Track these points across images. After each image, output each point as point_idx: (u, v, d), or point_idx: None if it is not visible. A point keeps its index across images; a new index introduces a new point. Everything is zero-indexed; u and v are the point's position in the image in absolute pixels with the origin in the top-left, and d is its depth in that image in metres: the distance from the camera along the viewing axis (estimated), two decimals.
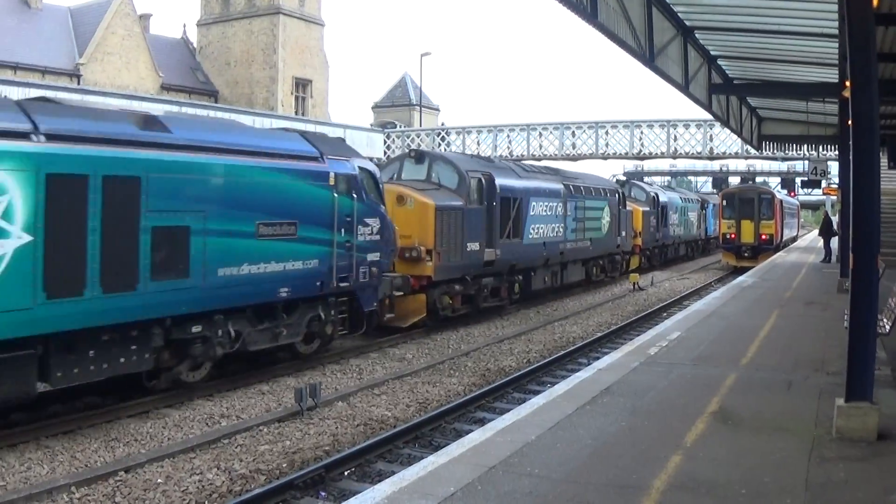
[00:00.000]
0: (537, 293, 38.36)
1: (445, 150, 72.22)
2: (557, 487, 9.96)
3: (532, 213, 35.33)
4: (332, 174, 22.06)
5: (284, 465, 14.79)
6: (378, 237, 23.88)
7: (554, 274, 38.99)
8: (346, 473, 14.70)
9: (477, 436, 12.14)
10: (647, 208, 56.35)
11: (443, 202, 28.73)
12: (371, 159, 27.34)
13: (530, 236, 35.19)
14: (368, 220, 23.42)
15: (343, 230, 22.31)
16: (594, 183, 45.55)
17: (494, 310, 33.43)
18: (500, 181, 32.49)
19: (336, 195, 22.06)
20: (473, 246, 30.19)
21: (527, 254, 35.01)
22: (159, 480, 13.87)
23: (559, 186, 39.11)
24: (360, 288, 23.49)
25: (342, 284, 22.52)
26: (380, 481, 12.21)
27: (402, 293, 26.24)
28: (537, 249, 36.11)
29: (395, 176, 30.96)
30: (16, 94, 44.41)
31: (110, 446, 15.72)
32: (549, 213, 37.26)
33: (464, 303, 30.94)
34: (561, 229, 38.64)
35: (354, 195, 22.82)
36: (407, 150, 34.85)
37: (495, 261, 31.78)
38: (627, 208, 50.34)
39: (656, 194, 59.95)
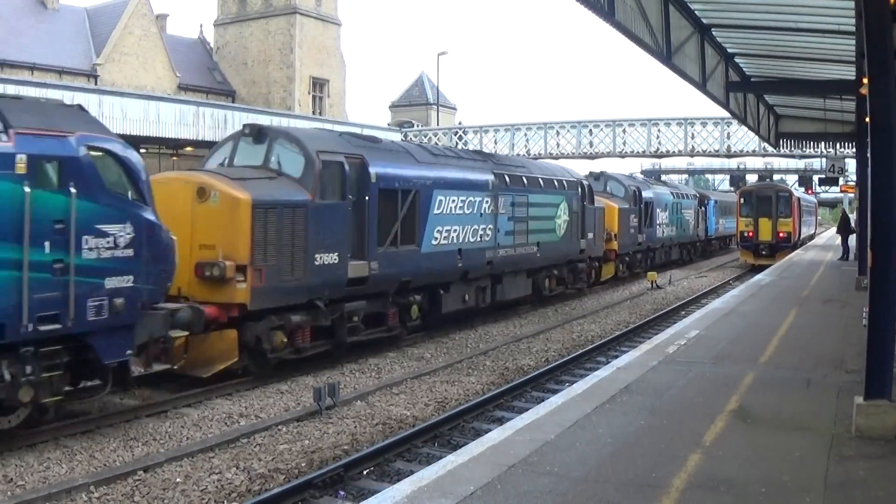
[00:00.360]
0: (455, 316, 29.53)
1: (463, 147, 71.99)
2: (577, 486, 9.97)
3: (437, 212, 26.87)
4: (20, 157, 14.39)
5: (303, 465, 14.77)
6: (130, 252, 16.18)
7: (480, 290, 30.30)
8: (364, 473, 14.67)
9: (496, 435, 12.14)
10: (626, 205, 48.04)
11: (268, 196, 20.64)
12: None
13: (434, 242, 26.70)
14: (108, 228, 15.76)
15: (47, 244, 14.65)
16: (544, 172, 36.60)
17: (505, 312, 33.51)
18: (377, 168, 24.02)
19: (29, 189, 14.36)
20: (328, 258, 21.98)
21: (428, 265, 26.34)
22: (178, 480, 13.89)
23: (486, 177, 30.13)
24: (93, 330, 15.68)
25: (45, 327, 14.78)
26: (398, 480, 12.26)
27: (188, 332, 18.56)
28: (446, 259, 27.49)
29: (227, 161, 23.36)
30: (32, 95, 44.51)
31: (129, 446, 15.74)
32: (467, 211, 28.50)
33: (320, 337, 22.67)
34: (489, 231, 29.93)
35: (74, 189, 15.05)
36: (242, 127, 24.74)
37: (369, 277, 23.51)
38: (597, 205, 41.80)
39: (637, 189, 51.17)
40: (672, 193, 60.56)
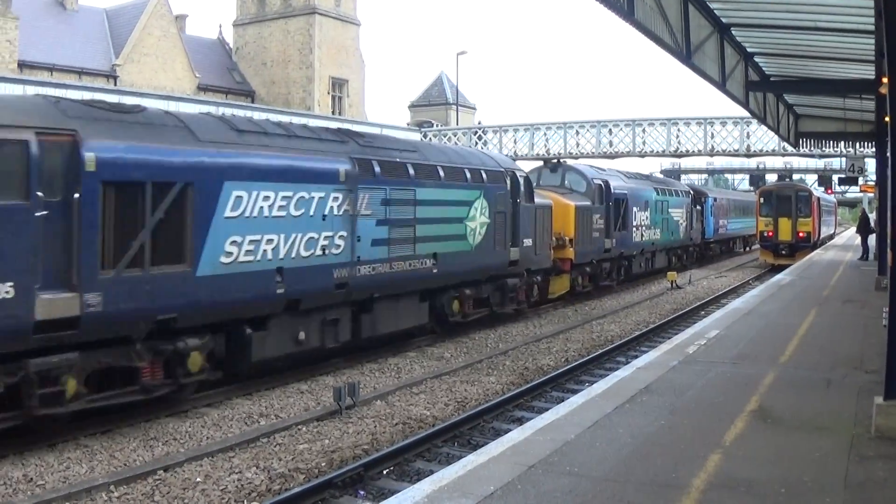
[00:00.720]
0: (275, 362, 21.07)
1: (482, 148, 71.94)
2: (597, 486, 9.97)
3: (232, 214, 18.29)
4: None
5: (323, 464, 14.79)
6: None
7: (328, 325, 21.62)
8: (384, 472, 14.71)
9: (516, 435, 12.15)
10: (587, 203, 38.46)
11: None
12: None
13: (226, 259, 18.22)
14: None
15: None
16: (447, 159, 27.48)
17: (525, 313, 33.80)
18: (104, 151, 15.69)
19: None
20: None
21: (212, 295, 17.80)
22: (198, 479, 13.94)
23: (335, 164, 21.50)
24: None
25: None
26: (418, 480, 12.26)
27: None
28: (253, 283, 18.84)
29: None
30: (52, 95, 44.60)
31: (149, 445, 15.80)
32: (295, 213, 19.96)
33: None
34: (339, 241, 21.37)
35: None
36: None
37: (82, 317, 15.12)
38: (540, 202, 33.06)
39: (605, 183, 40.72)
40: (656, 189, 50.09)
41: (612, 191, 41.39)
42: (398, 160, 24.21)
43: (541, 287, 34.18)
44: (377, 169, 22.79)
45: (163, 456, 15.15)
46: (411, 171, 24.47)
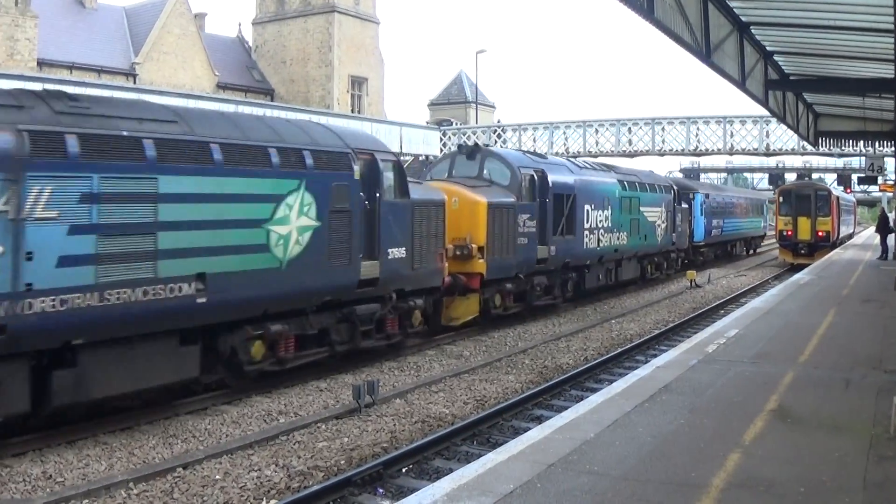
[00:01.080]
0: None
1: (502, 147, 71.80)
2: (617, 485, 9.97)
3: None
4: None
5: (342, 462, 14.82)
6: None
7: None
8: (403, 470, 14.72)
9: (535, 433, 12.16)
10: (508, 199, 29.47)
11: None
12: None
13: None
14: None
15: None
16: (223, 133, 18.07)
17: (544, 311, 33.64)
18: None
19: None
20: None
21: None
22: (217, 477, 13.98)
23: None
24: None
25: None
26: (438, 478, 12.32)
27: None
28: None
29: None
30: (71, 92, 44.71)
31: (168, 443, 15.86)
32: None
33: None
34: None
35: None
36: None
37: None
38: (422, 197, 24.96)
39: (538, 174, 31.61)
40: (622, 182, 40.33)
41: (551, 184, 32.02)
42: (125, 134, 15.75)
43: (428, 313, 25.36)
44: (74, 147, 14.73)
45: (182, 453, 15.21)
46: (150, 152, 16.00)
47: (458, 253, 26.87)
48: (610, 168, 42.32)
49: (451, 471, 12.62)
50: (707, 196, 58.65)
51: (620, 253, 39.55)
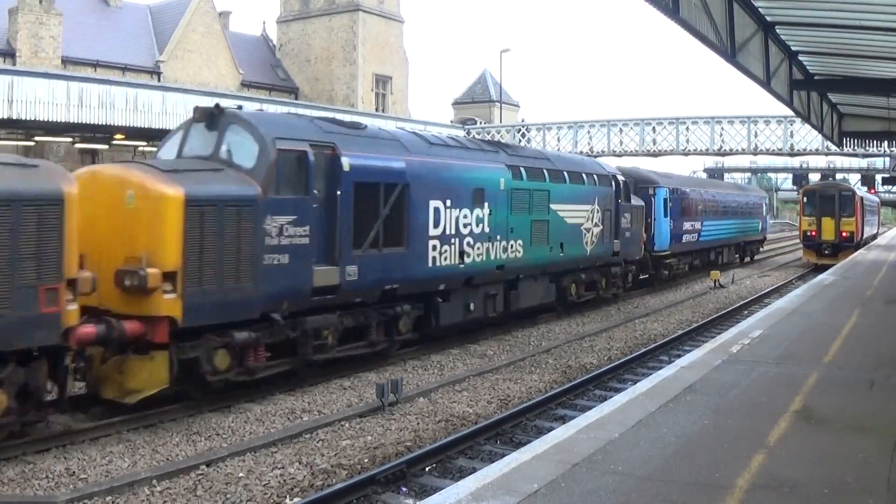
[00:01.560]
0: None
1: (526, 146, 71.75)
2: (641, 485, 9.97)
3: None
4: None
5: (366, 461, 14.87)
6: None
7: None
8: (427, 469, 14.75)
9: (560, 433, 12.17)
10: (244, 190, 18.35)
11: None
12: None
13: None
14: None
15: None
16: None
17: (568, 310, 33.53)
18: None
19: None
20: None
21: None
22: (241, 474, 14.03)
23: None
24: None
25: None
26: (461, 478, 12.36)
27: None
28: None
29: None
30: (96, 90, 44.89)
31: (192, 440, 15.97)
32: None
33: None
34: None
35: None
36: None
37: None
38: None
39: (322, 149, 20.63)
40: (514, 168, 28.52)
41: (349, 168, 21.01)
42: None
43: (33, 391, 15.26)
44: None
45: (205, 451, 15.31)
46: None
47: (127, 283, 16.43)
48: (498, 147, 29.36)
49: (474, 470, 12.65)
50: (676, 192, 46.80)
51: (512, 270, 28.09)
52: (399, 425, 17.09)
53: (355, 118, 46.37)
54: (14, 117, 41.39)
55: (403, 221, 22.76)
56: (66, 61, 64.23)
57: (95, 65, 66.57)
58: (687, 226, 48.62)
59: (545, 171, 30.70)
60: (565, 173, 32.05)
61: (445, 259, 24.35)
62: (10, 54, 61.44)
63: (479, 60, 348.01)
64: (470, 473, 11.83)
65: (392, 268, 22.27)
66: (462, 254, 25.09)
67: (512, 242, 27.71)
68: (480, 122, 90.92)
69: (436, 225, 24.02)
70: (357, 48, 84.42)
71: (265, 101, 59.01)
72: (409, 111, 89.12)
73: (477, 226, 25.80)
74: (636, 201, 39.33)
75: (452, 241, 24.63)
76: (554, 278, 31.52)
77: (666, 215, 44.73)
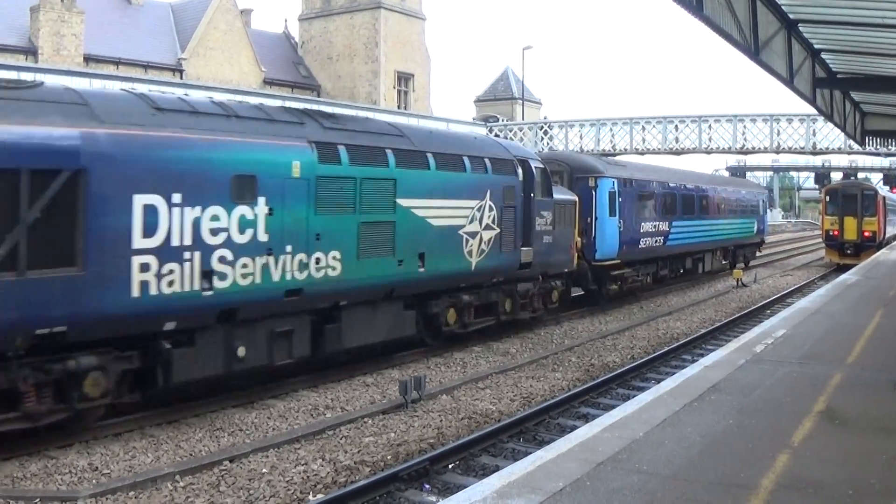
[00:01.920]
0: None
1: (548, 144, 71.59)
2: (666, 484, 9.97)
3: None
4: None
5: (389, 458, 14.93)
6: None
7: None
8: (450, 467, 14.76)
9: (584, 431, 12.17)
10: None
11: None
12: None
13: None
14: None
15: None
16: None
17: (591, 308, 33.54)
18: None
19: None
20: None
21: None
22: (264, 470, 14.09)
23: None
24: None
25: None
26: (484, 475, 12.39)
27: None
28: None
29: None
30: (118, 88, 44.98)
31: (215, 436, 16.06)
32: None
33: None
34: None
35: None
36: None
37: None
38: None
39: None
40: (325, 147, 19.87)
41: None
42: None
43: None
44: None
45: (229, 446, 15.39)
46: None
47: None
48: (304, 117, 20.44)
49: (497, 468, 12.71)
50: (629, 184, 37.26)
51: (320, 296, 19.74)
52: (422, 422, 17.13)
53: (378, 116, 46.09)
54: None
55: (76, 228, 14.83)
56: (88, 59, 64.39)
57: (118, 62, 66.72)
58: (647, 226, 38.91)
59: (388, 151, 21.52)
60: (429, 156, 23.04)
61: (172, 284, 16.14)
62: (31, 52, 61.58)
63: (501, 58, 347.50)
64: (493, 471, 11.88)
65: (51, 300, 14.39)
66: (209, 275, 16.80)
67: (319, 256, 19.31)
68: (503, 120, 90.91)
69: (149, 232, 15.79)
70: (379, 45, 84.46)
71: (287, 98, 59.14)
72: (431, 109, 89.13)
73: (241, 233, 17.52)
74: (564, 195, 31.14)
75: (187, 256, 16.45)
76: (415, 303, 23.26)
77: (613, 213, 34.89)
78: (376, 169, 20.77)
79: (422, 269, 22.40)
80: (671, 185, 42.92)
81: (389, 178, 21.17)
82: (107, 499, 12.75)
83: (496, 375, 21.64)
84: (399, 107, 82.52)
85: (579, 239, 32.29)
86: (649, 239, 39.05)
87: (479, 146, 26.53)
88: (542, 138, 74.51)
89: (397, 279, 21.55)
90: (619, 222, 35.27)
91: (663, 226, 40.69)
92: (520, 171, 26.96)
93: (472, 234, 24.43)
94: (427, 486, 13.80)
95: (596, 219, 34.07)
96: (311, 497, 13.07)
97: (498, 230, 25.50)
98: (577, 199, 32.16)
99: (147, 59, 70.08)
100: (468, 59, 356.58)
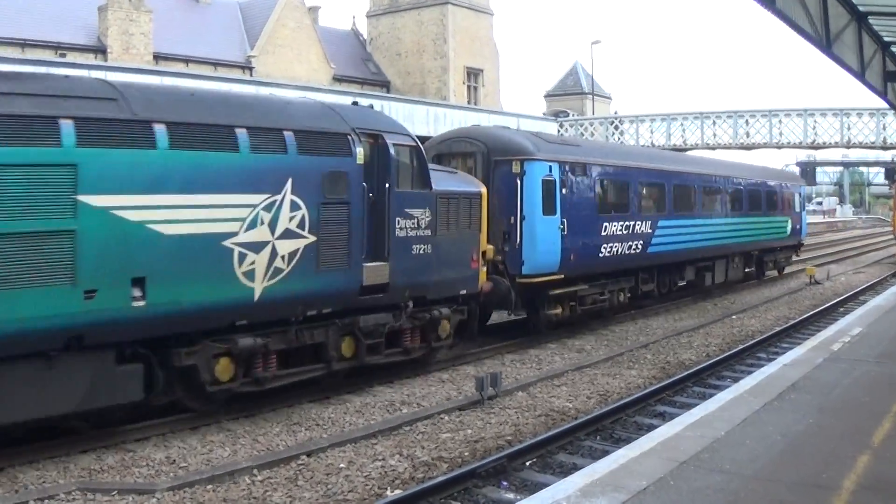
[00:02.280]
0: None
1: (619, 139, 71.19)
2: (749, 484, 9.98)
3: None
4: None
5: (466, 454, 14.90)
6: None
7: None
8: (527, 464, 14.65)
9: (665, 430, 12.20)
10: None
11: None
12: None
13: None
14: None
15: None
16: None
17: (665, 304, 32.88)
18: None
19: None
20: None
21: None
22: (341, 465, 14.14)
23: None
24: None
25: None
26: (562, 473, 12.46)
27: None
28: None
29: None
30: (188, 86, 45.29)
31: (292, 430, 16.16)
32: None
33: None
34: None
35: None
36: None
37: None
38: None
39: None
40: None
41: None
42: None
43: None
44: None
45: (306, 441, 15.47)
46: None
47: None
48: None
49: (574, 465, 12.78)
50: (581, 170, 27.58)
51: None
52: (499, 419, 17.10)
53: (448, 112, 45.76)
54: None
55: None
56: (157, 57, 64.91)
57: (187, 60, 67.18)
58: (614, 227, 28.96)
59: (63, 122, 13.79)
60: (156, 128, 15.07)
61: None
62: (101, 51, 62.15)
63: (569, 52, 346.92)
64: (570, 469, 11.97)
65: None
66: None
67: None
68: (573, 115, 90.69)
69: None
70: (447, 41, 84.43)
71: (357, 94, 59.35)
72: (500, 104, 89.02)
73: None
74: (459, 185, 22.48)
75: None
76: (148, 352, 15.33)
77: (551, 210, 25.53)
78: (34, 151, 13.33)
79: (140, 303, 14.56)
80: (656, 172, 32.98)
81: (64, 163, 13.60)
82: (184, 492, 12.87)
83: (572, 372, 21.52)
84: (469, 102, 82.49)
85: (489, 247, 23.28)
86: (619, 245, 29.11)
87: (277, 112, 17.97)
88: (613, 133, 74.26)
89: (83, 320, 13.80)
90: (562, 223, 25.83)
91: (643, 226, 30.68)
92: (359, 150, 18.41)
93: (255, 247, 16.37)
94: (505, 483, 13.69)
95: (523, 219, 24.87)
96: (389, 492, 13.03)
97: (311, 238, 17.25)
98: (482, 190, 23.06)
99: (216, 57, 70.46)
100: (536, 54, 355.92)
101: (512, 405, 18.16)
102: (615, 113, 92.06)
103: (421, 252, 20.05)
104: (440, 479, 13.38)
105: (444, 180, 21.57)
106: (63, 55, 55.18)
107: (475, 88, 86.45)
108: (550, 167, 25.57)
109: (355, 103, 20.63)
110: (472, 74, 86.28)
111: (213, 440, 15.34)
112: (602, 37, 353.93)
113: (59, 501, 12.40)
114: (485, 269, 22.84)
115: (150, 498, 12.61)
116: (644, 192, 31.50)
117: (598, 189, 28.36)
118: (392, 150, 19.27)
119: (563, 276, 25.70)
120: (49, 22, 60.46)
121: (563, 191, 25.97)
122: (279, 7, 75.68)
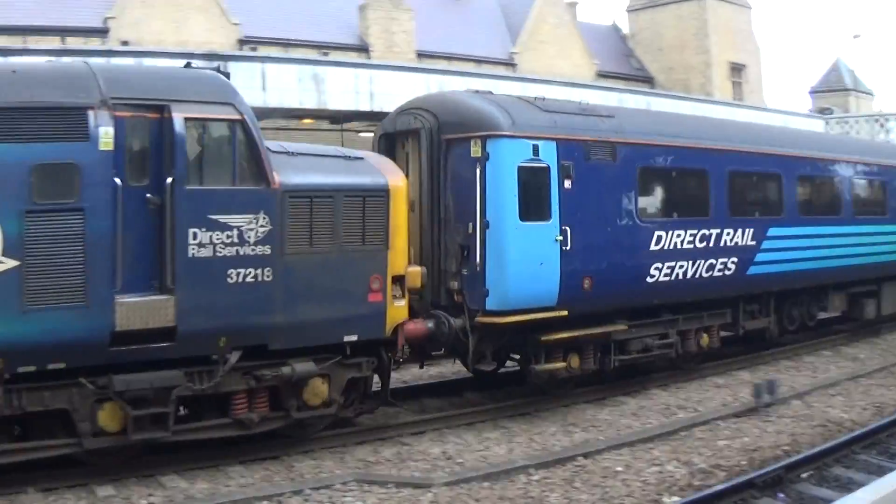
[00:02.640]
0: None
1: (885, 138, 68.77)
2: None
3: None
4: None
5: (743, 463, 14.77)
6: None
7: None
8: (803, 476, 14.38)
9: None
10: None
11: None
12: None
13: None
14: None
15: None
16: None
17: None
18: None
19: None
20: None
21: None
22: (618, 468, 14.24)
23: None
24: None
25: None
26: (837, 487, 12.36)
27: None
28: None
29: None
30: (455, 83, 45.91)
31: (567, 430, 16.43)
32: None
33: None
34: None
35: None
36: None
37: None
38: None
39: None
40: None
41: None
42: None
43: None
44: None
45: (582, 442, 15.69)
46: None
47: None
48: None
49: (850, 480, 12.63)
50: (611, 153, 18.72)
51: None
52: (776, 427, 16.94)
53: (712, 108, 45.11)
54: (375, 110, 42.76)
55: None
56: (420, 55, 65.91)
57: (449, 57, 67.98)
58: (673, 237, 19.78)
59: None
60: None
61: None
62: (363, 49, 63.48)
63: (830, 47, 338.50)
64: (846, 483, 11.83)
65: None
66: None
67: None
68: (838, 112, 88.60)
69: None
70: (709, 36, 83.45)
71: (622, 90, 59.29)
72: (764, 100, 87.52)
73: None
74: (341, 177, 15.16)
75: None
76: None
77: (542, 213, 17.33)
78: None
79: None
80: (761, 158, 22.66)
81: None
82: (460, 487, 13.17)
83: (846, 382, 21.09)
84: (734, 99, 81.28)
85: (414, 269, 16.06)
86: (687, 263, 19.93)
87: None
88: (879, 131, 72.18)
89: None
90: (566, 231, 17.49)
91: (734, 236, 21.23)
92: (103, 129, 12.50)
93: None
94: (781, 495, 13.51)
95: (486, 226, 16.68)
96: (666, 499, 13.09)
97: (9, 263, 11.77)
98: (390, 182, 15.46)
99: (479, 54, 71.08)
100: (798, 48, 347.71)
101: (787, 413, 17.99)
102: (880, 111, 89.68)
103: (246, 280, 13.64)
104: (718, 487, 13.27)
105: (309, 170, 14.81)
106: (326, 53, 56.49)
107: (739, 84, 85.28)
108: (536, 147, 17.22)
109: (188, 65, 15.65)
110: (736, 70, 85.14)
111: (488, 437, 15.76)
112: (862, 30, 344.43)
113: (335, 491, 12.84)
114: (403, 302, 15.66)
115: (427, 492, 12.97)
116: (737, 186, 21.85)
117: (640, 182, 19.29)
118: (178, 128, 13.07)
119: (565, 312, 17.39)
120: (312, 22, 62.13)
121: (567, 183, 17.66)
122: (538, 3, 75.97)
